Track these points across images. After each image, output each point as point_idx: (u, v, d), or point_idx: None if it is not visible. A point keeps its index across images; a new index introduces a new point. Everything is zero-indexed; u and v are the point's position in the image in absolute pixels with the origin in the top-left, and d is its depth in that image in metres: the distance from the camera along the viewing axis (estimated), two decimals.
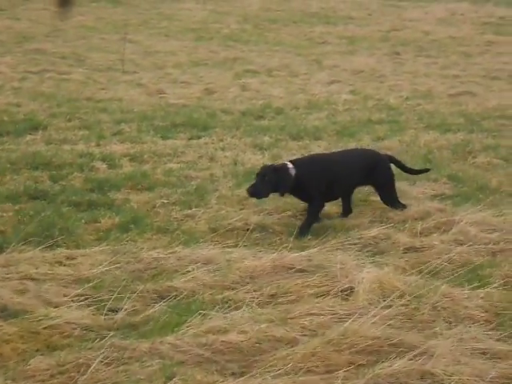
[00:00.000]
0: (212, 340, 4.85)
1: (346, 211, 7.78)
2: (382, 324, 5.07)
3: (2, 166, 9.45)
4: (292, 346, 4.92)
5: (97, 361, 4.54)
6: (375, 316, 5.16)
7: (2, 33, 25.65)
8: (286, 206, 7.89)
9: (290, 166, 7.39)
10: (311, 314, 5.40)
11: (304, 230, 7.17)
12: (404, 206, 7.82)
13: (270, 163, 7.84)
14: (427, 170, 8.48)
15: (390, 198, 7.79)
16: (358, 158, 7.82)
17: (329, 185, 7.46)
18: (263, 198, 7.36)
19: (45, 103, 14.28)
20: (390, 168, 7.84)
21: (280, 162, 7.81)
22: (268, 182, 7.23)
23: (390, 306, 5.41)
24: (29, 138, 11.31)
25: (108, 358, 4.60)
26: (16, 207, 7.87)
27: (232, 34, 26.27)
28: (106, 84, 17.48)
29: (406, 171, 8.20)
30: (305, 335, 5.15)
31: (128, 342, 4.74)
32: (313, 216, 7.34)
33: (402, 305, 5.49)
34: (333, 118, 13.56)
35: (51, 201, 8.10)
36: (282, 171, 7.31)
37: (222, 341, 4.86)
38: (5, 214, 7.59)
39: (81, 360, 4.57)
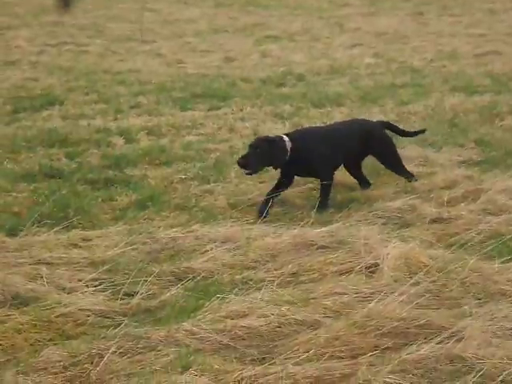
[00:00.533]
0: (230, 325, 4.64)
1: (364, 183, 7.52)
2: (408, 303, 4.84)
3: (18, 143, 9.28)
4: (314, 330, 4.70)
5: (110, 351, 4.36)
6: (401, 295, 4.92)
7: (19, 5, 25.46)
8: (307, 180, 7.64)
9: (286, 138, 7.02)
10: (334, 294, 5.17)
11: (324, 204, 6.91)
12: (411, 175, 7.52)
13: (263, 135, 7.49)
14: (423, 131, 8.12)
15: (394, 165, 7.52)
16: (350, 128, 7.46)
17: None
18: (252, 173, 6.93)
19: (62, 77, 14.09)
20: (385, 134, 7.56)
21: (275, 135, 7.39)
22: (260, 154, 6.82)
23: (417, 284, 5.17)
24: (45, 113, 11.13)
25: (122, 347, 4.41)
26: (31, 187, 7.70)
27: None
28: (124, 55, 17.25)
29: (403, 135, 7.95)
30: (328, 317, 4.93)
31: (143, 330, 4.55)
32: (327, 188, 7.03)
33: (430, 281, 5.25)
34: (355, 83, 13.25)
35: (67, 179, 7.92)
36: (276, 143, 6.94)
37: (241, 326, 4.65)
38: (19, 195, 7.42)
39: (94, 351, 4.39)
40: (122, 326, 4.61)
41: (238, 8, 24.61)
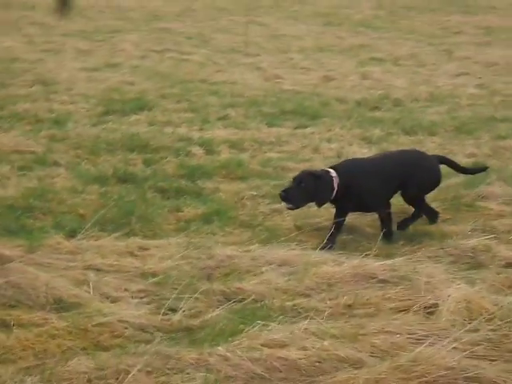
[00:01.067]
0: (267, 354, 4.40)
1: (430, 214, 7.04)
2: (461, 351, 4.49)
3: (99, 146, 9.29)
4: (356, 369, 4.42)
5: (137, 368, 4.18)
6: (455, 341, 4.58)
7: (134, 10, 25.91)
8: None
9: (334, 174, 6.57)
10: (386, 332, 4.87)
11: (388, 234, 6.62)
12: (435, 215, 7.05)
13: (309, 169, 6.94)
14: (485, 169, 7.53)
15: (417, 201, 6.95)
16: (401, 158, 6.98)
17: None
18: (293, 207, 6.49)
19: (158, 83, 14.15)
20: (434, 168, 6.98)
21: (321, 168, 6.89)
22: (304, 189, 6.42)
23: (475, 331, 4.81)
24: (133, 118, 11.15)
25: (150, 366, 4.23)
26: (102, 190, 7.65)
27: (364, 19, 25.61)
28: (224, 66, 17.24)
29: (461, 171, 7.41)
30: (374, 356, 4.63)
31: (174, 350, 4.35)
32: (386, 218, 6.68)
33: (489, 330, 4.88)
34: (453, 113, 12.81)
35: (138, 186, 7.84)
36: (323, 179, 6.49)
37: (279, 356, 4.40)
38: (88, 197, 7.38)
39: (121, 366, 4.22)
40: (154, 342, 4.42)
41: (347, 28, 24.33)
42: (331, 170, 6.60)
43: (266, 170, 8.62)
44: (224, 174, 8.42)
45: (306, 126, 11.03)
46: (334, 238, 6.48)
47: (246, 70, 16.39)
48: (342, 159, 7.86)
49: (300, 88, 14.20)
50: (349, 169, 6.70)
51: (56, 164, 8.59)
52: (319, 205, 6.59)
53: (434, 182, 7.01)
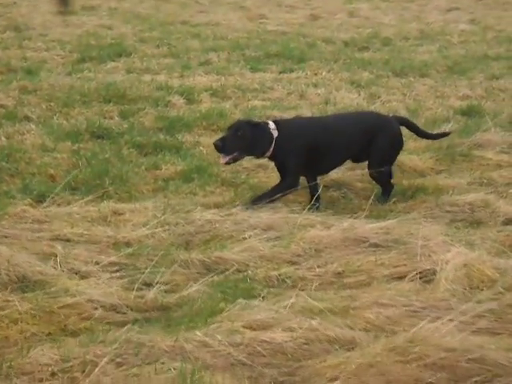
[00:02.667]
0: (249, 338, 3.98)
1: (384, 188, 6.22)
2: (463, 329, 4.09)
3: (73, 97, 8.80)
4: (348, 351, 4.01)
5: (105, 359, 3.76)
6: (456, 317, 4.17)
7: None
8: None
9: (273, 126, 5.97)
10: (379, 305, 4.45)
11: (257, 201, 5.82)
12: (387, 193, 6.19)
13: (245, 118, 6.39)
14: (447, 134, 6.77)
15: (378, 169, 6.15)
16: (354, 122, 6.26)
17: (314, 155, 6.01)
18: (230, 161, 5.87)
19: (137, 26, 13.59)
20: (395, 133, 6.23)
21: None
22: (241, 138, 5.83)
23: (478, 302, 4.41)
24: (110, 65, 10.65)
25: (120, 356, 3.81)
26: (74, 147, 7.17)
27: None
28: (206, 6, 16.65)
29: (422, 136, 6.64)
30: (367, 331, 4.22)
31: (147, 337, 3.93)
32: (271, 193, 5.87)
33: (493, 298, 4.48)
34: (445, 52, 12.32)
35: (114, 141, 7.38)
36: (260, 128, 5.94)
37: (262, 339, 3.98)
38: (59, 155, 6.90)
39: (88, 356, 3.80)
40: (124, 329, 3.99)
41: None
42: (271, 123, 6.04)
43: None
44: (205, 125, 7.95)
45: (291, 70, 10.54)
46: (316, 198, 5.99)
47: (230, 10, 15.81)
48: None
49: (285, 28, 13.65)
50: (289, 125, 6.07)
51: (26, 118, 8.10)
52: (258, 156, 6.06)
53: (398, 148, 6.27)
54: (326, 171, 6.25)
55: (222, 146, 5.84)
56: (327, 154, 6.06)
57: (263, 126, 5.97)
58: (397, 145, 6.26)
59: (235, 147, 5.85)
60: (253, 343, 3.97)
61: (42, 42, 12.01)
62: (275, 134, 5.95)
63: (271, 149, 5.95)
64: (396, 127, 6.27)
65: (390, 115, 6.79)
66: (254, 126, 5.94)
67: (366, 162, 6.26)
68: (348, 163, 6.55)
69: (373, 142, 6.12)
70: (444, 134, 6.81)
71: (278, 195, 5.86)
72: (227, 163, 5.94)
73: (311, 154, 5.98)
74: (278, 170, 6.09)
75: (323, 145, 6.03)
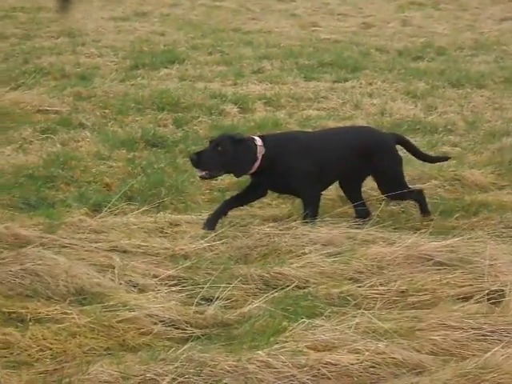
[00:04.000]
0: (314, 359, 3.86)
1: (361, 211, 5.86)
2: None
3: (127, 104, 8.76)
4: (416, 375, 3.87)
5: (167, 379, 3.67)
6: None
7: None
8: (432, 173, 6.73)
9: (259, 142, 5.57)
10: (446, 327, 4.30)
11: (309, 220, 5.58)
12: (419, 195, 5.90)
13: (229, 133, 6.03)
14: (447, 159, 6.44)
15: (394, 188, 5.80)
16: (347, 138, 5.88)
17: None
18: (206, 176, 5.54)
19: (189, 33, 13.54)
20: (393, 150, 5.90)
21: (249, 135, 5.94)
22: (221, 154, 5.47)
23: None
24: (163, 72, 10.61)
25: (182, 375, 3.71)
26: (129, 155, 7.11)
27: None
28: (258, 13, 16.58)
29: (419, 158, 6.22)
30: (435, 355, 4.08)
31: (209, 355, 3.82)
32: (312, 205, 5.63)
33: None
34: (501, 63, 12.07)
35: (168, 150, 7.32)
36: (244, 145, 5.55)
37: (327, 361, 3.86)
38: (114, 164, 6.85)
39: (149, 374, 3.71)
40: (186, 347, 3.89)
41: None
42: (257, 138, 5.66)
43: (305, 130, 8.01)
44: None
45: (345, 80, 10.40)
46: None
47: (281, 18, 15.72)
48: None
49: (338, 37, 13.51)
50: (279, 141, 5.72)
51: (81, 125, 8.08)
52: (238, 175, 5.71)
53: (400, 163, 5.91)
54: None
55: (197, 161, 5.49)
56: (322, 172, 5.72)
57: (247, 143, 5.58)
58: (398, 160, 5.91)
59: (212, 163, 5.50)
60: (317, 365, 3.85)
61: (95, 48, 12.02)
62: (262, 150, 5.58)
63: (256, 166, 5.57)
64: (392, 144, 5.91)
65: (388, 132, 6.51)
66: (236, 143, 5.56)
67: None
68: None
69: (372, 161, 5.78)
70: (443, 158, 6.44)
71: (314, 214, 5.62)
72: (202, 178, 5.59)
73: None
74: (258, 184, 5.72)
75: (317, 162, 5.69)
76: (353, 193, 5.91)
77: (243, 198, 5.76)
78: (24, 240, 5.13)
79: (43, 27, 13.76)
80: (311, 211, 5.64)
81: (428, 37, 13.90)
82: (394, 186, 5.84)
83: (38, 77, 9.93)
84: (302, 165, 5.63)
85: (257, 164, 5.56)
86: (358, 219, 5.79)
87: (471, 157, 7.35)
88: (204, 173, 5.51)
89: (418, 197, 5.98)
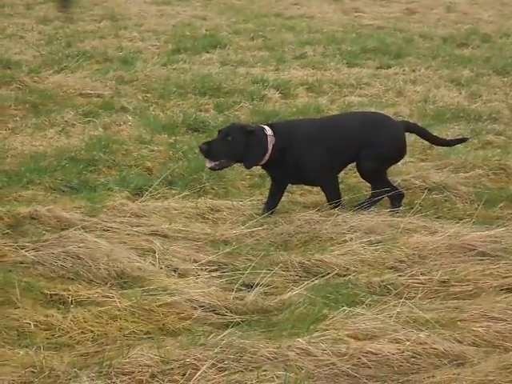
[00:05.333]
0: (354, 348, 3.83)
1: (395, 198, 5.69)
2: None
3: (169, 88, 8.76)
4: (457, 366, 3.83)
5: (207, 364, 3.66)
6: None
7: None
8: (476, 162, 6.65)
9: (269, 132, 5.47)
10: (489, 318, 4.25)
11: (332, 204, 5.56)
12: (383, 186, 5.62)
13: (240, 122, 5.91)
14: (464, 140, 6.23)
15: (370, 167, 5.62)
16: (358, 122, 5.74)
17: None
18: (215, 167, 5.45)
19: (232, 18, 13.50)
20: (397, 138, 5.70)
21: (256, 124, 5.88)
22: (231, 144, 5.37)
23: None
24: (205, 56, 10.59)
25: (222, 360, 3.71)
26: (171, 139, 7.12)
27: None
28: None
29: (435, 142, 6.13)
30: (477, 346, 4.03)
31: (249, 342, 3.81)
32: (334, 193, 5.58)
33: None
34: None
35: (210, 135, 7.27)
36: (255, 135, 5.43)
37: (368, 350, 3.83)
38: (155, 148, 6.85)
39: (189, 360, 3.70)
40: (226, 333, 3.89)
41: None
42: (267, 128, 5.54)
43: None
44: None
45: (388, 66, 10.30)
46: None
47: (324, 3, 15.61)
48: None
49: (381, 22, 13.39)
50: (289, 129, 5.60)
51: (123, 109, 8.10)
52: (248, 166, 5.58)
53: (396, 153, 5.75)
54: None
55: (207, 151, 5.39)
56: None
57: (258, 133, 5.47)
58: (394, 149, 5.72)
59: (222, 153, 5.39)
60: (358, 354, 3.82)
61: (138, 32, 12.05)
62: (272, 140, 5.48)
63: (267, 156, 5.49)
64: (396, 131, 5.72)
65: (399, 120, 6.29)
66: (247, 133, 5.45)
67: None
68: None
69: (369, 142, 5.61)
70: (461, 140, 6.25)
71: (339, 201, 5.56)
72: (212, 169, 5.49)
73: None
74: (274, 177, 5.66)
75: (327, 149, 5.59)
76: None
77: (275, 195, 5.65)
78: (66, 223, 5.16)
79: (86, 11, 13.81)
80: (334, 197, 5.59)
81: (473, 23, 13.73)
82: (372, 173, 5.65)
83: (80, 60, 9.97)
84: (313, 153, 5.54)
85: (267, 155, 5.47)
86: (394, 205, 5.70)
87: None
88: (213, 164, 5.40)
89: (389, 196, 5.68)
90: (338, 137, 5.64)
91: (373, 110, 8.23)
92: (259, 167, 5.75)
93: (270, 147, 5.46)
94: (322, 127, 5.70)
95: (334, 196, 5.62)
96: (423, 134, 5.98)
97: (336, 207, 5.55)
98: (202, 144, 5.51)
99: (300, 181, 5.75)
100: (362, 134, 5.65)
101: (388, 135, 5.69)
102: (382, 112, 7.10)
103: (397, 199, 5.73)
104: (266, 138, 5.46)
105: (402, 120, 6.46)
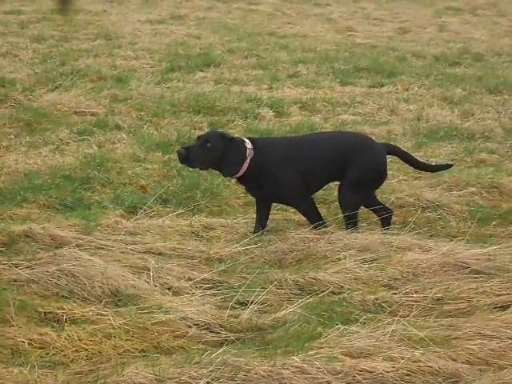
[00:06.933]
0: (349, 366, 3.84)
1: (380, 210, 5.67)
2: None
3: (163, 107, 8.79)
4: None
5: (202, 382, 3.65)
6: None
7: None
8: (470, 180, 6.68)
9: (249, 145, 5.42)
10: (482, 336, 4.26)
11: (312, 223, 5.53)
12: (356, 224, 5.53)
13: (219, 130, 5.98)
14: (449, 166, 6.13)
15: (348, 197, 5.55)
16: (335, 143, 5.64)
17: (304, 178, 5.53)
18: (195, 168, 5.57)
19: (225, 37, 13.56)
20: (378, 160, 5.59)
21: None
22: (210, 150, 5.32)
23: None
24: (199, 75, 10.62)
25: (216, 379, 3.71)
26: (165, 157, 7.13)
27: None
28: (293, 17, 16.57)
29: (417, 167, 5.99)
30: (471, 364, 4.03)
31: (243, 360, 3.82)
32: (312, 214, 5.56)
33: None
34: None
35: None
36: (234, 144, 5.40)
37: (362, 368, 3.84)
38: (149, 166, 6.86)
39: (184, 378, 3.70)
40: (220, 351, 3.89)
41: None
42: (247, 141, 5.48)
43: None
44: None
45: (381, 85, 10.36)
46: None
47: (317, 22, 15.70)
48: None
49: (374, 41, 13.47)
50: (266, 147, 5.51)
51: (117, 127, 8.12)
52: (226, 173, 5.52)
53: (377, 176, 5.63)
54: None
55: (185, 156, 5.36)
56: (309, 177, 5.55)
57: (237, 142, 5.44)
58: (375, 173, 5.61)
59: (200, 159, 5.37)
60: (352, 372, 3.82)
61: (132, 50, 12.08)
62: (250, 153, 5.43)
63: (243, 170, 5.43)
64: (377, 153, 5.61)
65: (380, 142, 6.21)
66: (227, 141, 5.42)
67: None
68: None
69: (349, 164, 5.52)
70: (445, 166, 6.18)
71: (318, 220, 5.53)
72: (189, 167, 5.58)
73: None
74: (251, 193, 5.67)
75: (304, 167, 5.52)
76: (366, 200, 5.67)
77: (262, 214, 5.62)
78: (60, 241, 5.16)
79: (80, 29, 13.85)
80: (312, 219, 5.56)
81: (465, 42, 13.81)
82: (350, 189, 5.55)
83: (74, 78, 9.99)
84: (286, 174, 5.48)
85: (245, 166, 5.40)
86: (384, 225, 5.68)
87: (509, 164, 7.28)
88: (190, 170, 5.39)
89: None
90: (314, 158, 5.56)
91: (366, 128, 8.29)
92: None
93: (247, 160, 5.41)
94: (299, 147, 5.60)
95: (311, 218, 5.57)
96: (405, 157, 5.85)
97: (318, 228, 5.50)
98: (180, 148, 5.48)
99: (275, 199, 5.65)
100: (342, 155, 5.54)
101: (369, 158, 5.59)
102: (367, 133, 7.10)
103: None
104: (245, 150, 5.41)
105: (384, 142, 6.37)
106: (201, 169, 5.63)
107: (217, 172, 6.38)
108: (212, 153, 5.36)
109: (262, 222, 5.61)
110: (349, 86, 10.19)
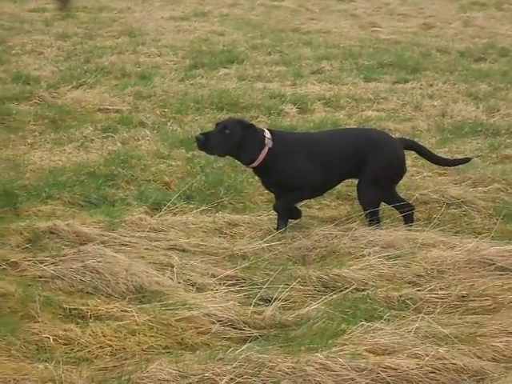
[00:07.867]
0: (373, 363, 3.83)
1: (403, 207, 5.65)
2: None
3: (187, 104, 8.80)
4: (477, 382, 3.82)
5: (226, 379, 3.67)
6: None
7: None
8: (495, 176, 6.63)
9: (268, 135, 5.40)
10: (508, 333, 4.23)
11: (278, 226, 5.48)
12: (378, 221, 5.50)
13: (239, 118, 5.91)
14: (467, 160, 6.08)
15: (367, 193, 5.54)
16: (351, 139, 5.62)
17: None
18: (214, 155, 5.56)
19: (249, 33, 13.55)
20: (393, 155, 5.57)
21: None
22: (228, 137, 5.29)
23: None
24: (223, 71, 10.62)
25: (240, 375, 3.71)
26: (189, 154, 7.14)
27: None
28: (317, 13, 16.53)
29: (435, 161, 5.95)
30: (496, 362, 4.01)
31: (267, 356, 3.81)
32: (281, 213, 5.50)
33: None
34: None
35: None
36: (252, 131, 5.37)
37: (387, 365, 3.82)
38: (173, 163, 6.87)
39: (207, 374, 3.71)
40: (244, 347, 3.89)
41: None
42: (267, 131, 5.48)
43: None
44: None
45: (406, 81, 10.31)
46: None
47: (341, 18, 15.65)
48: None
49: (398, 37, 13.40)
50: (285, 138, 5.51)
51: (141, 124, 8.14)
52: (244, 161, 5.46)
53: (395, 172, 5.60)
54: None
55: (203, 142, 5.33)
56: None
57: (256, 130, 5.42)
58: (392, 168, 5.59)
59: (218, 146, 5.34)
60: (377, 369, 3.81)
61: (155, 47, 12.10)
62: (269, 143, 5.41)
63: (260, 158, 5.41)
64: (394, 148, 5.59)
65: (397, 137, 6.19)
66: (245, 128, 5.40)
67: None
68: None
69: (366, 160, 5.50)
70: (464, 160, 6.10)
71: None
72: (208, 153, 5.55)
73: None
74: (266, 186, 5.62)
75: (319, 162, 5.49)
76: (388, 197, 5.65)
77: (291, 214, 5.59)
78: (85, 237, 5.19)
79: (104, 27, 13.90)
80: (281, 220, 5.51)
81: (490, 37, 13.71)
82: (368, 187, 5.53)
83: (99, 76, 10.03)
84: (302, 165, 5.45)
85: (262, 155, 5.37)
86: (407, 222, 5.65)
87: None
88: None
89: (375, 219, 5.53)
90: (330, 154, 5.54)
91: (390, 124, 8.26)
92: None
93: (265, 149, 5.39)
94: (317, 141, 5.61)
95: (282, 215, 5.52)
96: (423, 152, 5.84)
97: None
98: (199, 134, 5.47)
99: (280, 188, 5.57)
100: (359, 152, 5.53)
101: (386, 153, 5.56)
102: (391, 129, 7.08)
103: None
104: (264, 138, 5.39)
105: (401, 137, 6.36)
106: (219, 155, 5.61)
107: (242, 169, 6.41)
108: (230, 139, 5.33)
109: (290, 216, 5.56)
110: (373, 82, 10.15)
